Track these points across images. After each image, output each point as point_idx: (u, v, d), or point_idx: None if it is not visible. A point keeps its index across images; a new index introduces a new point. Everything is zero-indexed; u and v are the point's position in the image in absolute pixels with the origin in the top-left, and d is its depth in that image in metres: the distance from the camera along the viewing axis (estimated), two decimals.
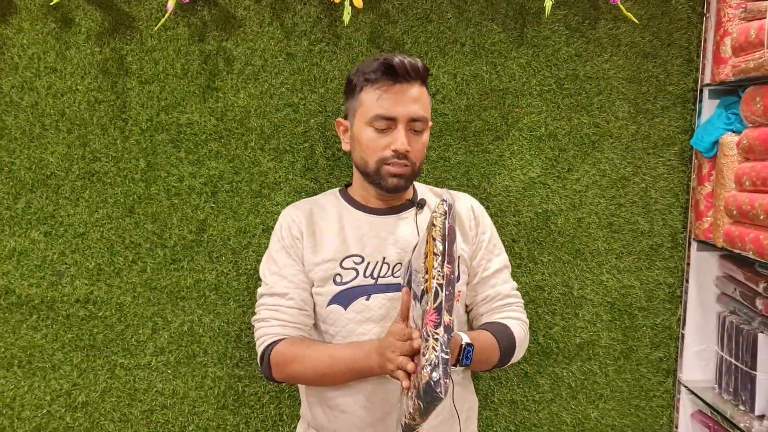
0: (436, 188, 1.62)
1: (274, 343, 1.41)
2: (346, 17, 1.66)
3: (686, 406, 1.93)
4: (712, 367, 1.90)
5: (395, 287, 1.41)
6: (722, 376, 1.84)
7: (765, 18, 1.51)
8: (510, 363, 1.47)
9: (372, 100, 1.39)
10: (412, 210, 1.50)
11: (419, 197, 1.53)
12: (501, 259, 1.55)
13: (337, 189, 1.57)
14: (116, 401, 1.84)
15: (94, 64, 1.75)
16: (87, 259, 1.80)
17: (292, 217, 1.50)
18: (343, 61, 1.79)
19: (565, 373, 1.92)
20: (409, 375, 1.18)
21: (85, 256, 1.80)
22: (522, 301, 1.55)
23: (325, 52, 1.79)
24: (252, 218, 1.82)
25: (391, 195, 1.47)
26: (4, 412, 1.81)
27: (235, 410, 1.86)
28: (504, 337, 1.44)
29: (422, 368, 1.11)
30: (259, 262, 1.75)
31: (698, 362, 1.91)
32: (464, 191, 1.83)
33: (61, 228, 1.79)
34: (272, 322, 1.43)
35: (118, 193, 1.79)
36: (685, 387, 1.91)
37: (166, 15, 1.67)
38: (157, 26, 1.70)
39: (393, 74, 1.37)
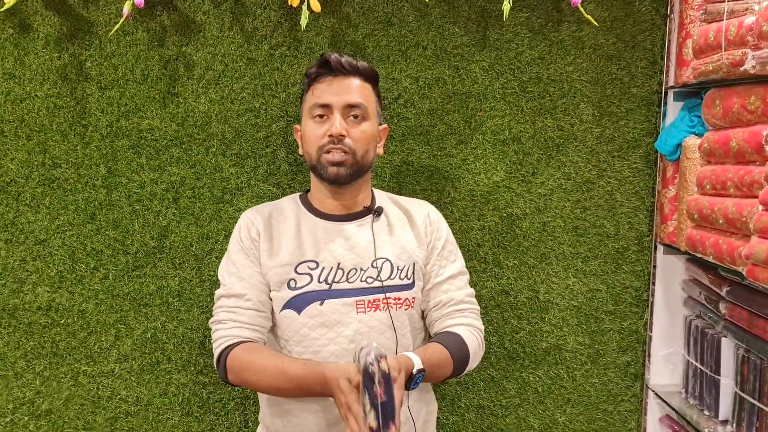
0: (396, 196, 1.61)
1: (231, 346, 1.41)
2: (303, 21, 1.65)
3: (654, 410, 1.92)
4: (679, 371, 1.89)
5: (350, 292, 1.42)
6: (689, 380, 1.83)
7: (723, 20, 1.49)
8: (464, 373, 1.46)
9: (312, 94, 1.46)
10: (369, 217, 1.50)
11: (377, 204, 1.54)
12: (456, 265, 1.55)
13: (298, 194, 1.58)
14: (80, 409, 1.83)
15: (53, 69, 1.74)
16: (48, 266, 1.79)
17: (251, 220, 1.50)
18: (304, 65, 1.78)
19: (532, 378, 1.91)
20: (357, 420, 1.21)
21: (47, 263, 1.79)
22: (477, 308, 1.55)
23: (286, 56, 1.78)
24: (214, 224, 1.81)
25: (341, 193, 1.48)
26: None
27: (200, 417, 1.85)
28: (458, 349, 1.43)
29: None
30: None
31: (666, 366, 1.90)
32: (428, 195, 1.83)
33: (22, 235, 1.78)
34: (229, 324, 1.43)
35: (79, 200, 1.78)
36: (653, 391, 1.90)
37: (122, 20, 1.65)
38: (113, 30, 1.69)
39: (330, 68, 1.44)
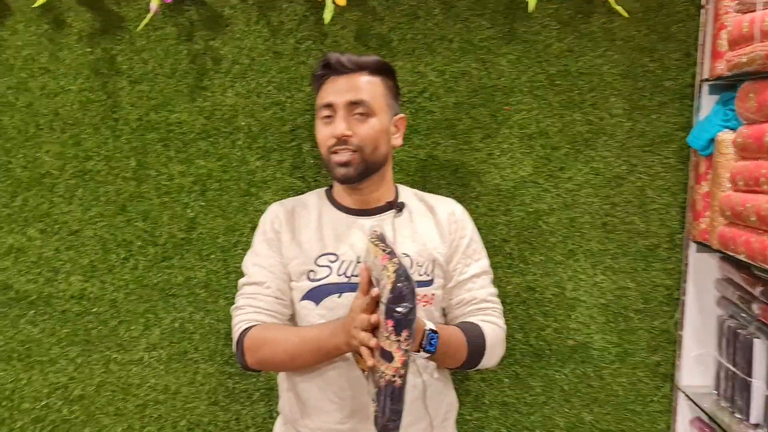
0: (422, 193, 1.60)
1: (248, 329, 1.43)
2: (328, 15, 1.65)
3: (684, 411, 1.87)
4: (711, 372, 1.83)
5: None
6: (721, 381, 1.78)
7: (757, 10, 1.44)
8: (482, 365, 1.44)
9: (319, 94, 1.47)
10: (391, 212, 1.49)
11: (400, 200, 1.53)
12: (480, 264, 1.53)
13: (324, 189, 1.59)
14: (111, 395, 1.88)
15: (86, 64, 1.78)
16: (81, 256, 1.84)
17: (275, 213, 1.53)
18: None
19: (558, 376, 1.88)
20: (372, 351, 1.19)
21: (80, 253, 1.84)
22: (500, 307, 1.52)
23: (312, 50, 1.79)
24: (240, 216, 1.83)
25: (357, 190, 1.48)
26: (4, 404, 1.87)
27: (225, 406, 1.88)
28: (473, 335, 1.41)
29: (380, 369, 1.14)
30: None
31: (697, 367, 1.85)
32: (453, 190, 1.82)
33: (56, 225, 1.83)
34: (248, 309, 1.46)
35: (110, 192, 1.82)
36: (683, 392, 1.85)
37: (149, 15, 1.68)
38: (140, 26, 1.72)
39: (331, 68, 1.44)
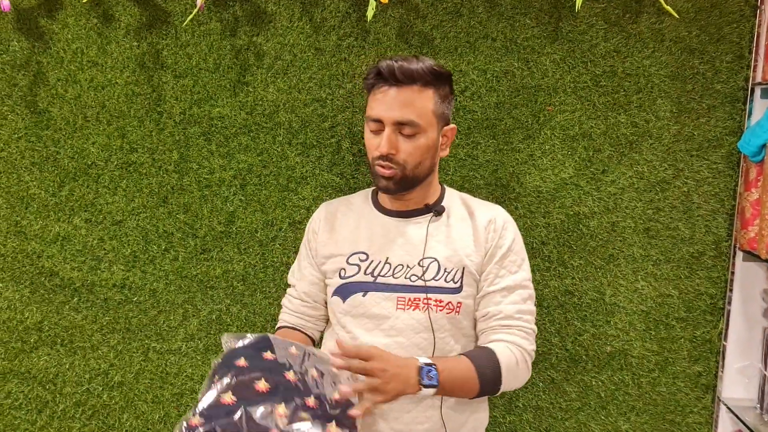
0: (469, 198, 1.54)
1: (278, 328, 1.59)
2: (370, 12, 1.65)
3: (726, 424, 1.81)
4: (755, 385, 1.78)
5: (392, 287, 1.41)
6: (765, 395, 1.72)
7: None
8: (503, 390, 1.37)
9: (369, 103, 1.42)
10: (428, 215, 1.47)
11: (443, 203, 1.49)
12: (515, 277, 1.43)
13: (372, 188, 1.59)
14: (149, 383, 1.92)
15: (132, 58, 1.81)
16: (124, 246, 1.88)
17: (318, 212, 1.58)
18: (371, 56, 1.78)
19: (594, 382, 1.84)
20: None
21: (122, 243, 1.88)
22: (531, 327, 1.42)
23: (354, 47, 1.78)
24: (279, 211, 1.84)
25: (398, 198, 1.46)
26: (47, 387, 1.92)
27: None
28: (485, 362, 1.34)
29: None
30: (284, 255, 1.85)
31: (740, 379, 1.79)
32: (492, 191, 1.80)
33: (101, 215, 1.87)
34: (284, 309, 1.60)
35: (153, 184, 1.86)
36: (725, 405, 1.79)
37: (195, 10, 1.70)
38: (186, 20, 1.74)
39: (383, 78, 1.37)
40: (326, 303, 1.54)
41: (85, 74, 1.83)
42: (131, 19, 1.80)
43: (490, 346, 1.38)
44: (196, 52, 1.80)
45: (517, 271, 1.44)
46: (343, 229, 1.50)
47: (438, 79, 1.38)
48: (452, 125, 1.46)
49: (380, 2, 1.65)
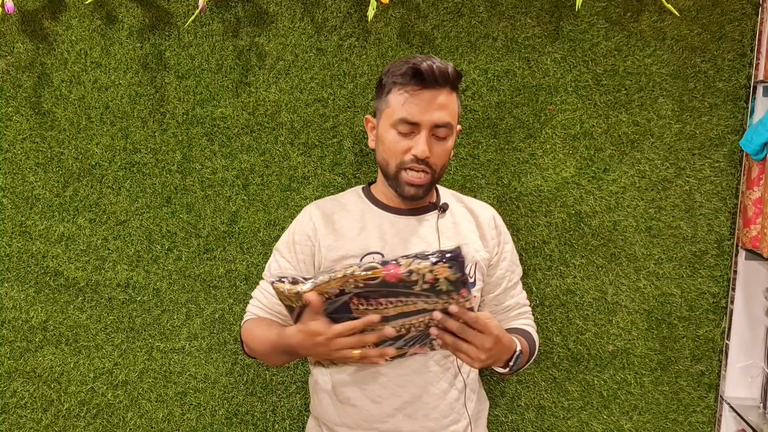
0: (460, 195, 1.59)
1: (248, 320, 1.52)
2: (371, 12, 1.65)
3: (729, 424, 1.81)
4: (758, 384, 1.77)
5: None
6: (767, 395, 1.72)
7: None
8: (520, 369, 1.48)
9: (398, 103, 1.37)
10: (434, 213, 1.48)
11: (442, 201, 1.52)
12: (519, 270, 1.61)
13: (360, 187, 1.57)
14: (153, 382, 1.93)
15: (135, 59, 1.83)
16: (128, 246, 1.89)
17: (311, 215, 1.51)
18: (373, 56, 1.78)
19: (596, 381, 1.84)
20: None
21: (126, 242, 1.89)
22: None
23: (355, 47, 1.79)
24: (281, 211, 1.85)
25: (411, 202, 1.47)
26: (52, 386, 1.94)
27: (263, 398, 1.91)
28: (531, 343, 1.50)
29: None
30: None
31: (743, 378, 1.79)
32: (493, 190, 1.80)
33: (105, 215, 1.88)
34: (255, 302, 1.54)
35: (156, 184, 1.87)
36: (728, 404, 1.79)
37: (197, 11, 1.72)
38: (188, 22, 1.75)
39: (421, 79, 1.34)
40: None
41: (88, 75, 1.84)
42: (134, 21, 1.81)
43: (527, 328, 1.55)
44: (199, 53, 1.82)
45: (518, 265, 1.61)
46: (348, 231, 1.47)
47: (460, 80, 1.41)
48: (459, 126, 1.48)
49: (381, 2, 1.66)
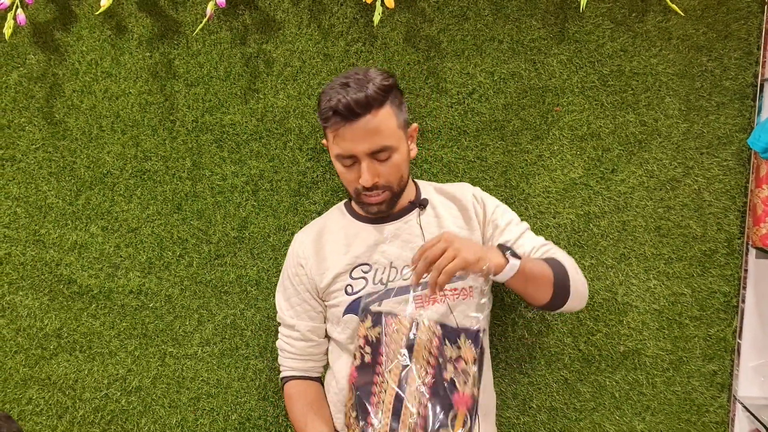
0: (440, 185, 1.61)
1: (286, 378, 1.60)
2: (377, 17, 1.67)
3: (743, 423, 1.80)
4: None
5: (405, 289, 1.43)
6: None
7: None
8: (570, 300, 1.41)
9: (331, 140, 1.41)
10: (415, 211, 1.51)
11: (422, 196, 1.54)
12: (521, 227, 1.54)
13: (342, 203, 1.62)
14: (166, 387, 1.94)
15: (145, 68, 1.85)
16: (139, 253, 1.91)
17: (299, 242, 1.58)
18: (379, 60, 1.80)
19: (608, 382, 1.84)
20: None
21: (138, 250, 1.91)
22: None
23: (362, 52, 1.80)
24: (291, 216, 1.87)
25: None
26: (67, 392, 1.95)
27: (275, 402, 1.92)
28: (556, 265, 1.40)
29: None
30: None
31: (756, 378, 1.78)
32: (501, 192, 1.80)
33: (117, 223, 1.90)
34: (285, 354, 1.60)
35: (167, 191, 1.89)
36: (741, 404, 1.78)
37: (205, 19, 1.73)
38: (196, 30, 1.77)
39: (341, 116, 1.35)
40: (326, 333, 1.57)
41: (99, 85, 1.86)
42: (143, 30, 1.83)
43: (546, 256, 1.47)
44: (207, 61, 1.83)
45: (515, 219, 1.56)
46: (333, 252, 1.51)
47: (389, 92, 1.37)
48: (414, 125, 1.49)
49: (387, 7, 1.67)
